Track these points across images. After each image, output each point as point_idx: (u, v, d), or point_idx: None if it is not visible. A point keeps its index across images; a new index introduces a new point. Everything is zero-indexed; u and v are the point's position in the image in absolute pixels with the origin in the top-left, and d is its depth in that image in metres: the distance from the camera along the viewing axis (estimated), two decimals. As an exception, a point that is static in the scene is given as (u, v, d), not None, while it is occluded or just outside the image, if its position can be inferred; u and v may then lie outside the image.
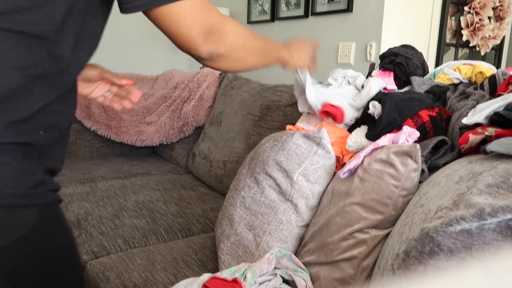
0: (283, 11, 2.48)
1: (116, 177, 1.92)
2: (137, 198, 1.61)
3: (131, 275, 1.08)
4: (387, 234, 0.81)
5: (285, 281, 0.89)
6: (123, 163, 2.14)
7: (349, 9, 2.06)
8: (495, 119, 0.80)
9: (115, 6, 0.68)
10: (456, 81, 1.10)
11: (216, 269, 1.12)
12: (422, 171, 0.84)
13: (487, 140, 0.77)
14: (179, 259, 1.17)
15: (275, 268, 0.92)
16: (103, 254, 1.26)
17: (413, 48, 1.21)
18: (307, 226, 1.00)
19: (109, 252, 1.27)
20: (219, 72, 2.11)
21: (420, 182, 0.84)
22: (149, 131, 2.19)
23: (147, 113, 2.28)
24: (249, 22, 2.74)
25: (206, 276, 0.88)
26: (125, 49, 2.84)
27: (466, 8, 2.46)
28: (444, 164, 0.84)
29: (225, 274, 0.86)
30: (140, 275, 1.08)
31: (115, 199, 1.59)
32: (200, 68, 2.60)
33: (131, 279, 1.07)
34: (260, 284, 0.85)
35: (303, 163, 0.99)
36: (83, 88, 0.86)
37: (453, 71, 1.10)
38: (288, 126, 1.15)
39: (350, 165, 0.90)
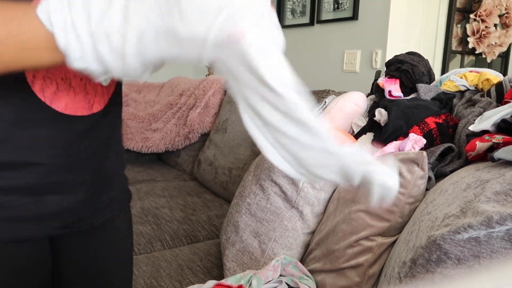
0: (289, 19, 2.49)
1: (122, 183, 1.92)
2: (142, 205, 1.62)
3: (136, 282, 1.08)
4: (394, 242, 0.81)
5: (290, 288, 0.89)
6: (129, 170, 2.14)
7: (354, 17, 2.06)
8: (503, 126, 0.79)
9: None
10: (462, 88, 1.09)
11: (221, 276, 1.11)
12: (429, 178, 0.84)
13: (494, 147, 0.77)
14: (184, 265, 1.17)
15: (280, 275, 0.91)
16: (108, 260, 1.25)
17: (419, 55, 1.21)
18: (312, 233, 1.00)
19: (114, 258, 1.26)
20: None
21: (427, 189, 0.83)
22: (155, 138, 2.20)
23: (153, 120, 2.29)
24: (255, 29, 2.76)
25: (211, 283, 0.88)
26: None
27: (472, 16, 2.46)
28: (451, 172, 0.84)
29: (230, 281, 0.86)
30: (145, 282, 1.08)
31: (120, 206, 1.60)
32: (206, 76, 2.61)
33: (136, 285, 1.07)
34: (265, 291, 0.85)
35: (309, 170, 0.98)
36: None
37: (459, 78, 1.10)
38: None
39: (356, 172, 0.90)
